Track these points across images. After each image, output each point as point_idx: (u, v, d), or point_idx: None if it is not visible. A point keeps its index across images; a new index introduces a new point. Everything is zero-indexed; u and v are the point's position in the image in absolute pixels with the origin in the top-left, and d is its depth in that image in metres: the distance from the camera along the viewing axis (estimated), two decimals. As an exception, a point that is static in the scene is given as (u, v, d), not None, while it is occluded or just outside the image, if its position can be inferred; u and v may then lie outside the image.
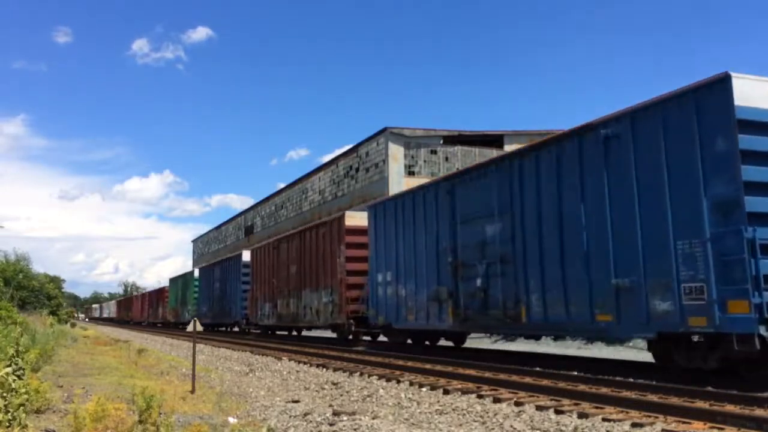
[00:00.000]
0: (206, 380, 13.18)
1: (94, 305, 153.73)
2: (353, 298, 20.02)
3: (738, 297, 8.41)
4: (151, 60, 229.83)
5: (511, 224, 12.89)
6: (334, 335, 22.96)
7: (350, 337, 20.76)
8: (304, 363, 16.04)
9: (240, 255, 33.77)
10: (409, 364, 13.83)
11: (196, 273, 44.46)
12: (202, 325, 28.95)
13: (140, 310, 72.05)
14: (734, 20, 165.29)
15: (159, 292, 60.91)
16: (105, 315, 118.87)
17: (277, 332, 30.47)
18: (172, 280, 53.46)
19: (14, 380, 6.12)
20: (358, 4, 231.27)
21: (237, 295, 33.00)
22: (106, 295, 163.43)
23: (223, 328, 40.32)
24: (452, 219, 14.86)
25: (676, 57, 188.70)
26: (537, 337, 15.14)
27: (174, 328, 49.15)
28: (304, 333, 29.28)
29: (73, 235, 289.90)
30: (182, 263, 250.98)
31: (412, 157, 43.99)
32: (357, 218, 20.50)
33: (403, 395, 10.08)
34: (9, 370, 6.19)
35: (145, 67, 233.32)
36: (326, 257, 21.73)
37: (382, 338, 20.60)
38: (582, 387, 9.41)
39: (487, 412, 8.24)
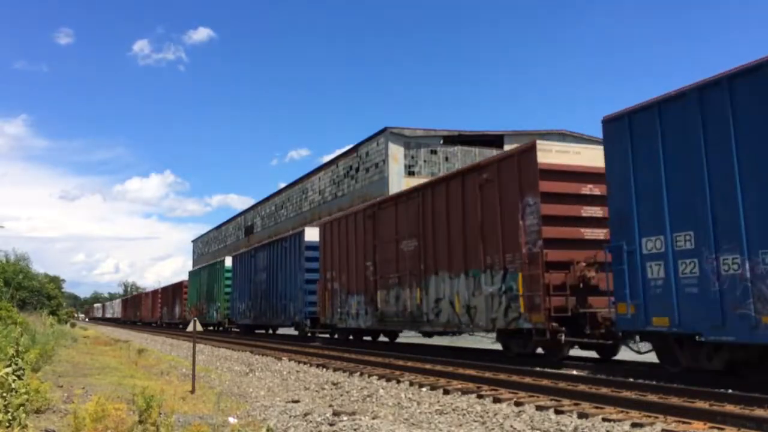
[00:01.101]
0: (206, 380, 13.18)
1: (95, 304, 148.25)
2: (557, 286, 12.21)
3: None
4: (153, 61, 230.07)
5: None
6: (498, 345, 15.15)
7: (557, 353, 12.91)
8: (304, 363, 16.04)
9: (300, 234, 25.68)
10: (409, 364, 13.84)
11: (228, 262, 37.22)
12: (238, 326, 27.90)
13: (151, 309, 64.71)
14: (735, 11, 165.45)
15: (176, 288, 52.95)
16: (108, 315, 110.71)
17: (379, 338, 22.81)
18: (194, 273, 46.57)
19: (14, 380, 6.12)
20: (359, 5, 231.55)
21: (296, 287, 25.42)
22: (106, 295, 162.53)
23: (268, 331, 33.54)
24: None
25: (676, 55, 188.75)
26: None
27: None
28: (433, 340, 20.72)
29: (74, 235, 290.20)
30: (182, 263, 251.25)
31: (412, 157, 43.99)
32: (559, 154, 12.94)
33: (403, 395, 10.08)
34: (9, 370, 6.18)
35: (146, 68, 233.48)
36: (493, 220, 13.84)
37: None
38: (582, 387, 9.41)
39: (487, 412, 8.24)
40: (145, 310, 68.53)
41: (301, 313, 24.87)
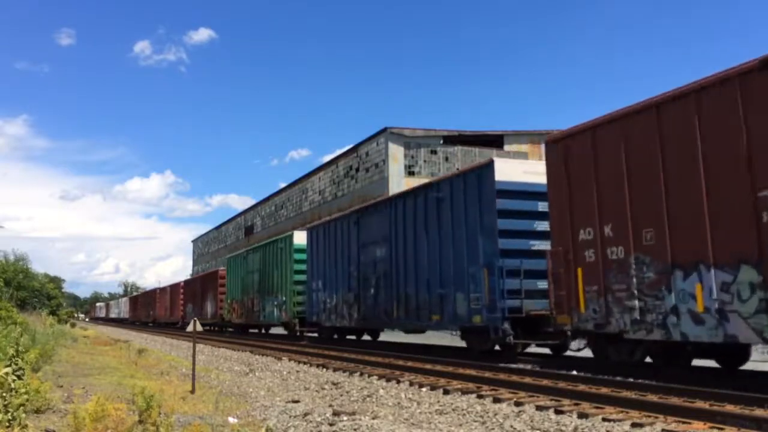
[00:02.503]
0: (206, 380, 13.18)
1: (98, 304, 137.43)
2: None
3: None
4: (153, 62, 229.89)
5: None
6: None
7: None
8: (304, 363, 16.05)
9: (488, 171, 13.96)
10: (409, 364, 13.84)
11: (299, 238, 25.90)
12: (325, 330, 24.25)
13: (170, 308, 52.95)
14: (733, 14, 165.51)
15: (208, 279, 41.07)
16: (113, 315, 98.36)
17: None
18: (237, 258, 34.60)
19: (14, 380, 6.13)
20: (359, 5, 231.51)
21: (468, 266, 14.46)
22: (106, 295, 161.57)
23: (364, 335, 24.10)
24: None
25: (677, 54, 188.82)
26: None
27: (239, 334, 33.93)
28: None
29: (74, 235, 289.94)
30: (182, 263, 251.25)
31: (412, 157, 43.99)
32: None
33: (403, 395, 10.08)
34: (9, 370, 6.19)
35: (148, 69, 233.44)
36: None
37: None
38: (582, 387, 9.41)
39: (487, 412, 8.24)
40: (161, 309, 57.59)
41: (484, 310, 13.96)
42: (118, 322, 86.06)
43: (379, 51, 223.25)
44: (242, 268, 32.61)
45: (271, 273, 28.14)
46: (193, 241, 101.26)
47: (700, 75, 9.90)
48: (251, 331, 34.84)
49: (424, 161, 44.17)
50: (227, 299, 35.27)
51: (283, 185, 64.30)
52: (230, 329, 36.85)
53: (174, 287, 53.48)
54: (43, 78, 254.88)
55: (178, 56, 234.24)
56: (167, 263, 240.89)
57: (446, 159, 44.48)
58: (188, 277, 61.91)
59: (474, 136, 45.08)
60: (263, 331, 34.17)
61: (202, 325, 36.82)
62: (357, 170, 47.57)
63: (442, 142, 44.52)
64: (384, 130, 43.90)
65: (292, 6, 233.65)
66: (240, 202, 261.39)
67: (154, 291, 64.94)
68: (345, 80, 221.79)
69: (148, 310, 64.53)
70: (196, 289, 43.95)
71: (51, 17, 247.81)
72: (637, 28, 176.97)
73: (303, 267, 25.07)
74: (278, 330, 31.69)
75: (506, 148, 45.15)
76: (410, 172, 43.53)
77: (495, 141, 45.65)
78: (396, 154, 43.48)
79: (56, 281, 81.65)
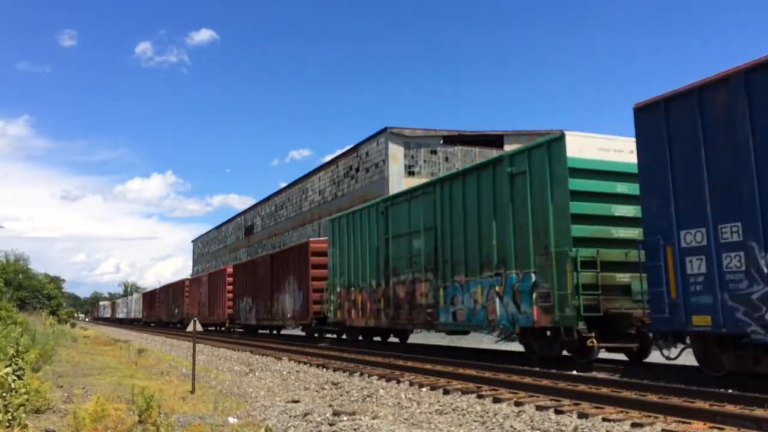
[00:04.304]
0: (206, 380, 13.17)
1: (102, 302, 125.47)
2: None
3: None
4: (155, 64, 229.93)
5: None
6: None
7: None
8: (304, 363, 16.05)
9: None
10: (409, 364, 13.84)
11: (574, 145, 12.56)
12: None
13: (209, 304, 38.47)
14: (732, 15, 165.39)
15: (289, 255, 26.73)
16: (121, 315, 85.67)
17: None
18: (354, 215, 20.58)
19: (14, 380, 6.13)
20: (359, 6, 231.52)
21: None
22: (106, 295, 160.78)
23: None
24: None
25: (676, 53, 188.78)
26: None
27: (365, 342, 20.99)
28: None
29: (74, 235, 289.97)
30: (182, 263, 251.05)
31: (412, 157, 43.99)
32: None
33: (403, 395, 10.08)
34: (9, 370, 6.19)
35: (149, 70, 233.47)
36: None
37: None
38: (582, 387, 9.41)
39: (487, 412, 8.23)
40: (190, 306, 43.36)
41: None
42: (127, 323, 75.11)
43: (380, 51, 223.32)
44: (380, 227, 18.57)
45: (481, 227, 14.14)
46: (193, 241, 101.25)
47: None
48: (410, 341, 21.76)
49: (424, 161, 44.17)
50: (332, 286, 21.50)
51: (283, 185, 64.23)
52: (346, 336, 22.56)
53: (215, 276, 38.49)
54: (45, 79, 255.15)
55: (179, 58, 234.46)
56: (167, 263, 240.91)
57: (446, 159, 44.49)
58: (238, 261, 47.34)
59: (474, 136, 45.07)
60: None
61: (278, 328, 31.12)
62: (357, 170, 47.56)
63: (442, 142, 44.51)
64: (384, 130, 43.90)
65: (292, 7, 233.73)
66: (240, 202, 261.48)
67: (180, 283, 49.10)
68: (345, 80, 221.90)
69: (171, 308, 50.23)
70: (261, 274, 29.71)
71: (53, 18, 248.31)
72: (638, 28, 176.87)
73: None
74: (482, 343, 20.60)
75: (506, 148, 45.12)
76: (410, 172, 43.53)
77: (495, 141, 45.65)
78: (396, 154, 43.47)
79: (56, 281, 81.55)
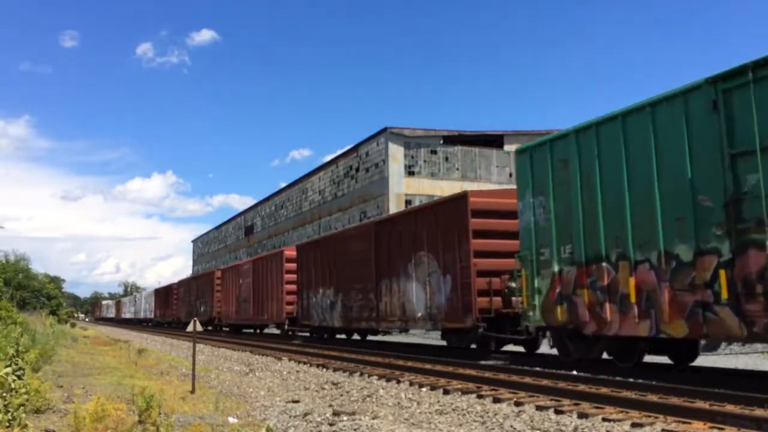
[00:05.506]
0: (206, 380, 13.18)
1: (105, 302, 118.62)
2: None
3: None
4: (156, 64, 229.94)
5: None
6: None
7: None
8: (304, 363, 16.05)
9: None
10: (409, 364, 13.84)
11: None
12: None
13: (256, 301, 29.72)
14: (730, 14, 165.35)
15: (416, 220, 17.03)
16: (127, 315, 78.56)
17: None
18: (592, 126, 10.85)
19: (14, 380, 6.13)
20: (359, 6, 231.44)
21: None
22: (107, 295, 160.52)
23: None
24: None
25: (676, 53, 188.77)
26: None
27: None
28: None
29: (75, 236, 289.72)
30: (183, 263, 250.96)
31: (412, 157, 44.00)
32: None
33: (403, 395, 10.08)
34: (9, 370, 6.19)
35: (150, 71, 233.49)
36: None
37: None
38: (582, 387, 9.41)
39: (487, 412, 8.23)
40: (224, 303, 35.64)
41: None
42: (136, 324, 66.87)
43: (380, 51, 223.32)
44: (705, 135, 9.06)
45: None
46: (193, 241, 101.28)
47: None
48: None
49: (424, 161, 44.18)
50: (534, 264, 12.17)
51: (283, 185, 64.22)
52: (611, 357, 11.89)
53: (266, 261, 29.37)
54: (46, 79, 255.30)
55: (180, 58, 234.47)
56: (168, 263, 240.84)
57: (446, 159, 44.50)
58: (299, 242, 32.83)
59: (474, 136, 45.11)
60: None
61: (383, 332, 22.22)
62: (357, 170, 47.56)
63: (442, 142, 44.53)
64: (384, 130, 43.91)
65: (293, 7, 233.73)
66: (241, 202, 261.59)
67: (209, 274, 40.13)
68: (345, 80, 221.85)
69: (197, 306, 40.93)
70: (356, 253, 20.62)
71: (54, 19, 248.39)
72: (637, 28, 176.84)
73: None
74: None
75: (506, 147, 45.18)
76: (410, 172, 43.54)
77: (495, 141, 45.69)
78: (396, 154, 43.49)
79: (56, 281, 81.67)
